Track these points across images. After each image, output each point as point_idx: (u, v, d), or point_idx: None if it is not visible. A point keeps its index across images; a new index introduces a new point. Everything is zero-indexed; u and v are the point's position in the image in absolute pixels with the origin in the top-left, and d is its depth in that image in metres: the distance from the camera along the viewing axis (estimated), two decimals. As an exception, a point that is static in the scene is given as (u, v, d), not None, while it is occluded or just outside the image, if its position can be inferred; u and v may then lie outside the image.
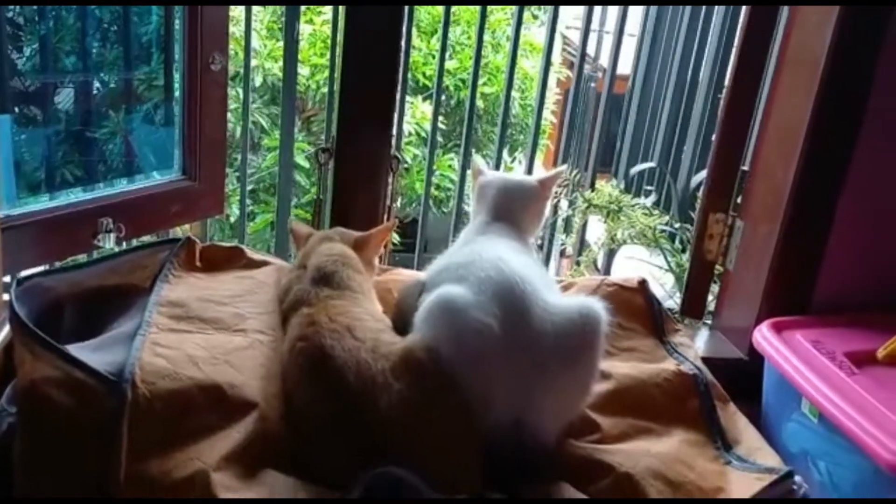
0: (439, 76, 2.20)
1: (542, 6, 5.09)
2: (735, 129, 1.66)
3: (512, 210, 1.29)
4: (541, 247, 2.59)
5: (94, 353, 0.99)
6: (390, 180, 1.50)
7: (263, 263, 1.31)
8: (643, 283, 1.40)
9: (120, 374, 0.94)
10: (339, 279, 1.16)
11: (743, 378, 1.49)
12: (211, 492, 0.86)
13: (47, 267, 1.47)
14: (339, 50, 1.49)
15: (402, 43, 1.52)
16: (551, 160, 5.40)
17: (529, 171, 2.32)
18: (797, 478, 1.04)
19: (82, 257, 1.59)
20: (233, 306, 1.15)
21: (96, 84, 2.02)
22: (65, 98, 2.03)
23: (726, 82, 1.92)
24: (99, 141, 1.98)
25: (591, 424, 1.13)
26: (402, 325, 1.13)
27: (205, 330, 1.09)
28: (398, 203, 1.61)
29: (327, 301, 1.11)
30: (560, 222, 2.77)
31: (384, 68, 1.47)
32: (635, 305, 1.37)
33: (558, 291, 1.24)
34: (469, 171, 1.62)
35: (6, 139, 1.79)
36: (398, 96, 1.79)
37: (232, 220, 4.28)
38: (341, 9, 1.50)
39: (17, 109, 1.90)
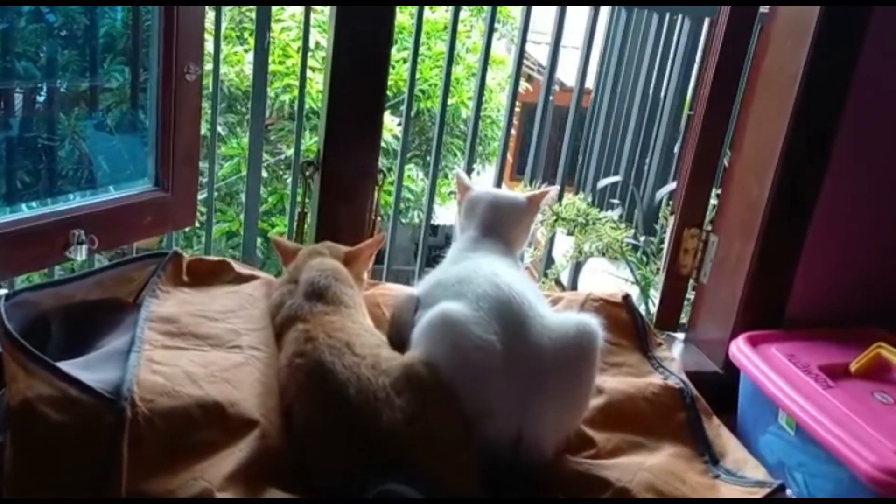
0: (410, 87, 2.20)
1: (504, 20, 5.14)
2: (709, 144, 1.70)
3: (502, 226, 1.30)
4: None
5: (87, 371, 0.97)
6: (375, 194, 1.50)
7: (252, 277, 1.29)
8: (627, 298, 1.42)
9: (117, 392, 0.92)
10: (332, 294, 1.16)
11: (718, 391, 1.51)
12: (217, 512, 0.85)
13: (29, 281, 1.42)
14: (312, 62, 1.48)
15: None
16: (511, 173, 5.44)
17: (498, 184, 2.34)
18: (788, 491, 1.06)
19: (62, 271, 1.55)
20: (226, 322, 1.14)
21: (50, 89, 1.97)
22: (19, 106, 1.98)
23: (695, 94, 1.96)
24: (57, 150, 1.93)
25: (586, 440, 1.14)
26: (398, 340, 1.13)
27: (200, 346, 1.07)
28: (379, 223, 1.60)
29: (322, 317, 1.11)
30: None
31: (372, 83, 1.46)
32: (621, 320, 1.39)
33: (549, 307, 1.25)
34: (454, 185, 1.62)
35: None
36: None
37: (187, 229, 4.20)
38: (329, 21, 1.49)
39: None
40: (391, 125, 4.44)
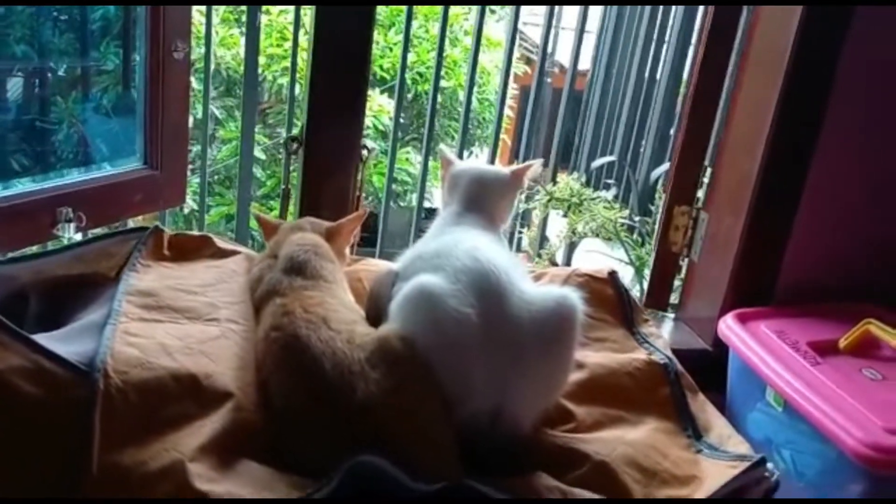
0: (402, 70, 2.19)
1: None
2: (699, 122, 1.69)
3: (484, 200, 1.29)
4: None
5: (62, 344, 0.96)
6: (360, 170, 1.49)
7: (233, 252, 1.29)
8: (613, 274, 1.42)
9: (91, 364, 0.92)
10: (311, 269, 1.15)
11: (708, 368, 1.51)
12: (187, 482, 0.84)
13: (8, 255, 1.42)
14: (302, 38, 1.47)
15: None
16: (508, 155, 5.41)
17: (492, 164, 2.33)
18: (769, 465, 1.05)
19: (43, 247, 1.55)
20: (204, 295, 1.13)
21: (47, 72, 1.97)
22: (14, 85, 1.98)
23: (690, 76, 1.95)
24: (50, 129, 1.93)
25: (565, 414, 1.14)
26: (375, 315, 1.12)
27: (177, 319, 1.06)
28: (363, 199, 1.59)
29: (300, 291, 1.10)
30: (519, 216, 2.78)
31: (355, 58, 1.45)
32: (605, 296, 1.38)
33: (531, 281, 1.24)
34: (437, 163, 1.61)
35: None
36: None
37: (186, 211, 4.21)
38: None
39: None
40: (389, 108, 4.44)
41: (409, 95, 4.82)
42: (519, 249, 3.03)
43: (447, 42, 4.89)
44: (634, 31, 3.82)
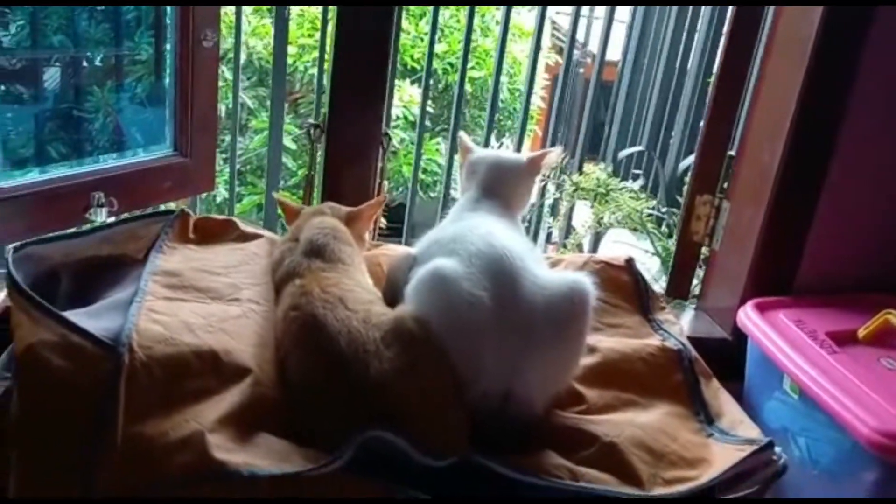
0: (429, 59, 2.22)
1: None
2: (724, 111, 1.69)
3: (501, 187, 1.31)
4: (527, 230, 2.61)
5: (90, 319, 1.01)
6: (380, 158, 1.52)
7: (256, 236, 1.33)
8: (630, 262, 1.43)
9: (117, 339, 0.96)
10: (330, 252, 1.18)
11: (726, 357, 1.52)
12: (206, 451, 0.88)
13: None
14: (331, 28, 1.50)
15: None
16: (539, 146, 5.40)
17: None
18: (777, 448, 1.06)
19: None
20: (227, 277, 1.17)
21: (83, 61, 2.02)
22: (52, 75, 2.03)
23: (715, 66, 1.95)
24: (86, 117, 1.98)
25: (577, 396, 1.16)
26: (392, 297, 1.15)
27: (200, 299, 1.10)
28: (386, 187, 1.62)
29: (319, 273, 1.13)
30: (547, 206, 2.79)
31: (376, 48, 1.48)
32: (622, 283, 1.40)
33: (547, 267, 1.26)
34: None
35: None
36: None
37: (219, 200, 4.26)
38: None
39: (2, 87, 1.89)
40: (419, 98, 4.44)
41: (441, 86, 4.82)
42: (548, 240, 3.05)
43: (479, 32, 4.89)
44: (665, 21, 3.79)
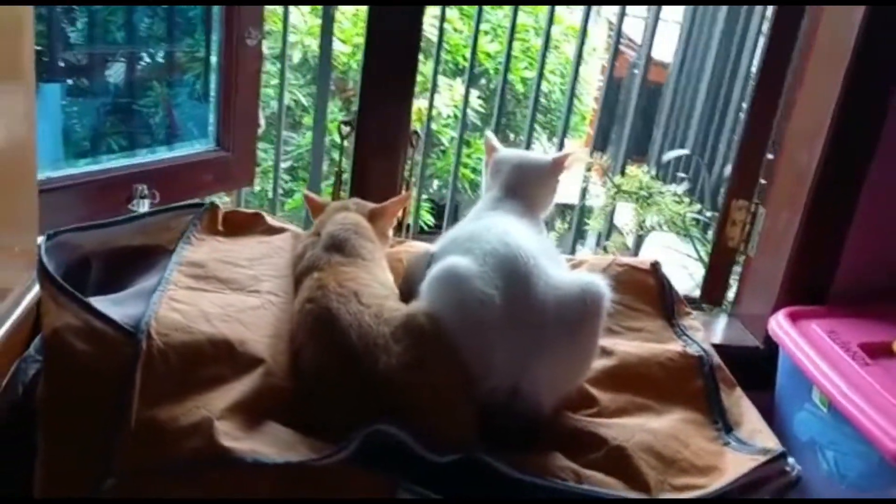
0: (472, 57, 2.23)
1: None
2: (762, 114, 1.66)
3: (524, 187, 1.31)
4: (568, 229, 2.61)
5: (114, 306, 1.04)
6: (409, 154, 1.53)
7: (282, 230, 1.35)
8: (655, 265, 1.41)
9: (137, 326, 0.99)
10: (350, 247, 1.20)
11: (758, 366, 1.50)
12: (213, 438, 0.90)
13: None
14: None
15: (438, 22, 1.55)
16: (590, 147, 5.36)
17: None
18: (790, 459, 1.05)
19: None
20: (249, 269, 1.20)
21: (143, 57, 2.08)
22: (114, 70, 2.09)
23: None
24: (141, 111, 2.04)
25: (589, 398, 1.15)
26: (408, 293, 1.16)
27: (221, 289, 1.13)
28: (434, 185, 1.64)
29: (337, 267, 1.15)
30: (598, 209, 2.77)
31: (405, 44, 1.50)
32: (646, 286, 1.38)
33: (567, 268, 1.26)
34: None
35: (56, 107, 1.87)
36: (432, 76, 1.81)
37: (271, 195, 4.34)
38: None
39: (69, 80, 1.96)
40: (470, 98, 4.45)
41: (493, 85, 4.83)
42: (598, 245, 3.03)
43: (532, 32, 4.89)
44: (715, 22, 3.72)
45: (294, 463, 0.91)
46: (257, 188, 3.27)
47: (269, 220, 1.37)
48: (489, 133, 1.42)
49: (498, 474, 0.96)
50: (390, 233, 1.37)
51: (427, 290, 1.09)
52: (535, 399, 1.07)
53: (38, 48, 1.58)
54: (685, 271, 2.47)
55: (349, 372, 1.01)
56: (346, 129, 1.52)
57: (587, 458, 1.04)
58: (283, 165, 4.35)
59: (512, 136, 4.83)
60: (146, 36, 2.04)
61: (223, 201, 2.37)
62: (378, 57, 1.49)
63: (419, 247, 1.38)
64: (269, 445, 0.93)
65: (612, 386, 1.18)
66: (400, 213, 1.43)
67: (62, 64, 1.89)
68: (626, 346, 1.25)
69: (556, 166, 1.33)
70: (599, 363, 1.19)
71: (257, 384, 0.99)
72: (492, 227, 1.17)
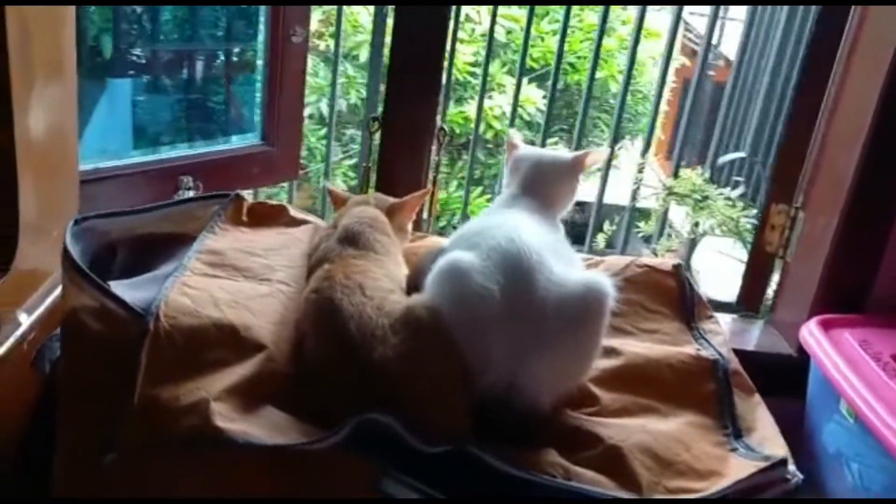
0: (522, 59, 2.23)
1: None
2: (803, 117, 1.62)
3: (542, 185, 1.31)
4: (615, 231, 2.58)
5: (132, 290, 1.09)
6: (435, 150, 1.55)
7: (304, 222, 1.39)
8: (678, 267, 1.39)
9: (147, 309, 1.04)
10: (364, 240, 1.22)
11: (790, 374, 1.46)
12: (208, 418, 0.94)
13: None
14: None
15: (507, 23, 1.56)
16: (664, 151, 5.27)
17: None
18: (791, 467, 1.02)
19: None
20: (265, 258, 1.23)
21: (220, 54, 2.16)
22: (189, 67, 2.17)
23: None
24: (202, 106, 2.12)
25: (590, 397, 1.15)
26: (416, 287, 1.18)
27: (234, 277, 1.17)
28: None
29: (348, 259, 1.17)
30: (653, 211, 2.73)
31: (431, 42, 1.51)
32: (665, 288, 1.36)
33: (581, 268, 1.25)
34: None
35: (126, 101, 1.96)
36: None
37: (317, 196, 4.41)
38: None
39: (147, 76, 2.04)
40: (536, 98, 4.45)
41: (560, 85, 4.80)
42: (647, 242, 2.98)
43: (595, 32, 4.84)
44: (775, 23, 3.59)
45: (282, 445, 0.94)
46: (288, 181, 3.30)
47: (293, 212, 1.41)
48: (512, 131, 1.43)
49: (485, 467, 0.96)
50: (409, 227, 1.39)
51: (429, 284, 1.11)
52: (533, 395, 1.07)
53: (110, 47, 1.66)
54: (737, 276, 2.41)
55: (347, 361, 1.04)
56: (374, 125, 1.55)
57: (582, 456, 1.04)
58: (349, 162, 4.42)
59: (584, 141, 4.80)
60: (223, 35, 2.11)
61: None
62: (404, 54, 1.51)
63: (439, 241, 1.40)
64: (262, 428, 0.96)
65: (616, 386, 1.17)
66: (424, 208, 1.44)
67: (132, 59, 1.97)
68: (635, 346, 1.24)
69: (577, 165, 1.33)
70: (605, 362, 1.18)
71: (258, 369, 1.02)
72: (503, 223, 1.18)
